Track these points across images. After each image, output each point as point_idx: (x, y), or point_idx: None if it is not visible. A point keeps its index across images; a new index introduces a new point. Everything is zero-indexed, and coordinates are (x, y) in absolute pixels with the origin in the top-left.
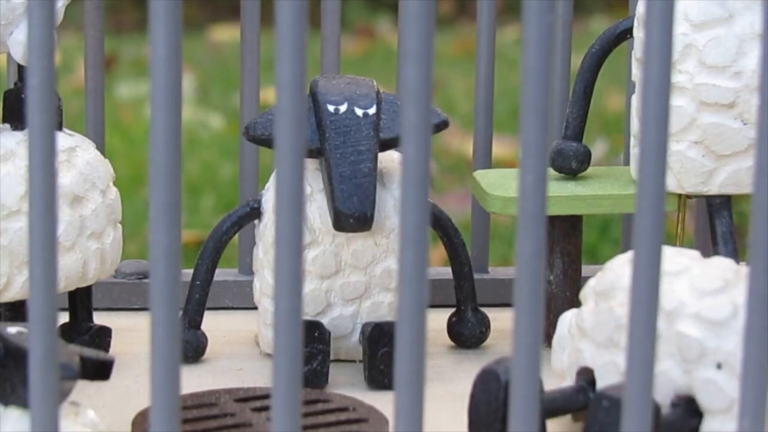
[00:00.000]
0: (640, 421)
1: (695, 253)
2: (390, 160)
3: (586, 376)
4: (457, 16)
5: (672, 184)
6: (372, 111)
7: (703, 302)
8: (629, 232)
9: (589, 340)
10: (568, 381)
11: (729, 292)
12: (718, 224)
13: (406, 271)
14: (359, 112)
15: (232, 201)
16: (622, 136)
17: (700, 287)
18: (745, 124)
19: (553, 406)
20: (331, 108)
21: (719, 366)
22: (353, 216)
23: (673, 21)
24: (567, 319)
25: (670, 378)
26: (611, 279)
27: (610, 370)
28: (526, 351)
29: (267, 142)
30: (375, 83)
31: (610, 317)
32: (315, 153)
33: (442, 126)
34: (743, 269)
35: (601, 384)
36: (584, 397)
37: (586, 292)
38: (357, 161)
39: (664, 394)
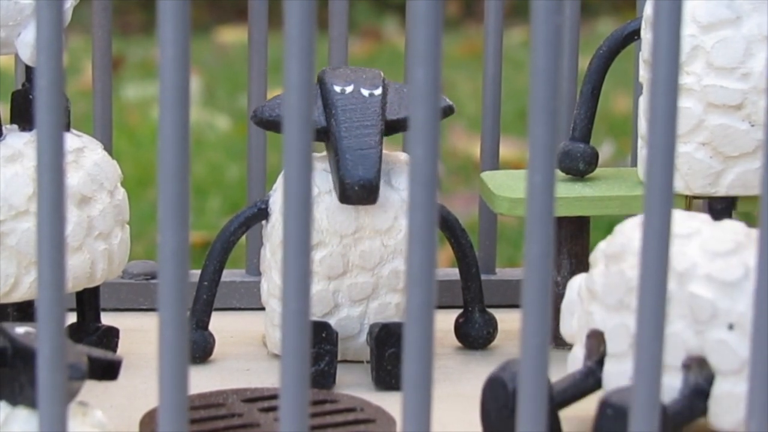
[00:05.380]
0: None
1: (706, 216)
2: (397, 160)
3: (596, 341)
4: (463, 18)
5: (679, 185)
6: (378, 92)
7: (715, 263)
8: None
9: (599, 302)
10: (578, 345)
11: (741, 254)
12: None
13: (414, 271)
14: (365, 92)
15: (238, 202)
16: (629, 138)
17: (712, 249)
18: (752, 125)
19: (564, 396)
20: (337, 88)
21: (731, 327)
22: (358, 184)
23: (680, 22)
24: (576, 283)
25: (682, 339)
26: (622, 242)
27: (621, 333)
28: (533, 352)
29: (274, 125)
30: (381, 72)
31: (621, 279)
32: (321, 134)
33: (448, 111)
34: (754, 232)
35: (611, 347)
36: (594, 379)
37: (596, 255)
38: (362, 134)
39: (675, 356)
